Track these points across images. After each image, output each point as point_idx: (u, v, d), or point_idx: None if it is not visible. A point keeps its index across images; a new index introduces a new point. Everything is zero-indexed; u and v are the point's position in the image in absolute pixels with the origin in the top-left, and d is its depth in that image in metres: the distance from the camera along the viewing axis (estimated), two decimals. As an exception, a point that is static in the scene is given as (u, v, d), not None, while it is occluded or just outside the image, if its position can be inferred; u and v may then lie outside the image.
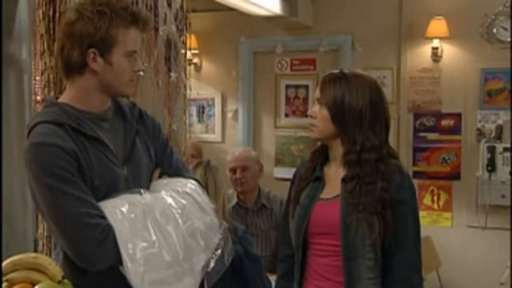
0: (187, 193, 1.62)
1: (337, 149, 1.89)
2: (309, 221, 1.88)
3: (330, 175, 1.91)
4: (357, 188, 1.81)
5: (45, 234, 2.20)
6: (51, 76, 2.15)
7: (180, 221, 1.56)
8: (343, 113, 1.84)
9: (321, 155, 1.95)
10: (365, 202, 1.79)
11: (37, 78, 2.43)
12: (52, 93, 2.12)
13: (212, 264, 1.61)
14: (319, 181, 1.92)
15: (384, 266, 1.82)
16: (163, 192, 1.61)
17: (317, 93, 1.91)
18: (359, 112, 1.83)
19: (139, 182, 1.63)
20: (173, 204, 1.58)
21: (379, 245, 1.79)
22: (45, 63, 2.15)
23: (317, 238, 1.88)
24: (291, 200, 1.98)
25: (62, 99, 1.64)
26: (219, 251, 1.63)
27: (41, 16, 2.16)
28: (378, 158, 1.83)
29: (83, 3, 1.63)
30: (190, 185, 1.66)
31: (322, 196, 1.90)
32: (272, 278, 2.71)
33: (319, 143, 2.04)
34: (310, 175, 1.94)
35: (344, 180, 1.85)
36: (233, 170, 3.35)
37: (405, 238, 1.80)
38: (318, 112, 1.89)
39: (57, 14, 2.14)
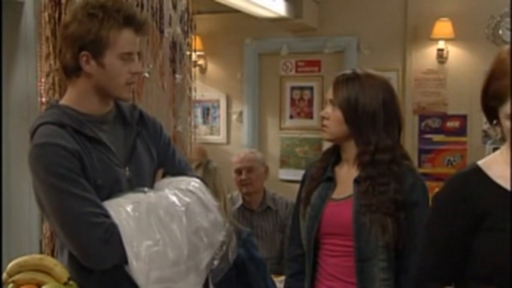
0: (190, 191, 1.62)
1: (350, 150, 1.88)
2: (321, 221, 1.87)
3: (342, 176, 1.90)
4: (370, 189, 1.80)
5: (47, 234, 2.20)
6: (56, 78, 2.15)
7: (184, 219, 1.56)
8: (357, 114, 1.83)
9: (333, 155, 1.94)
10: (377, 203, 1.78)
11: (43, 80, 2.44)
12: (57, 96, 2.13)
13: (216, 262, 1.61)
14: (331, 181, 1.91)
15: (398, 267, 1.80)
16: (166, 191, 1.61)
17: (330, 94, 1.90)
18: (372, 113, 1.83)
19: (142, 183, 1.63)
20: (177, 202, 1.58)
21: (392, 246, 1.78)
22: (50, 65, 2.16)
23: (329, 239, 1.87)
24: (301, 200, 1.97)
25: (63, 101, 1.65)
26: (223, 248, 1.63)
27: (46, 19, 2.16)
28: (391, 159, 1.82)
29: (77, 6, 1.64)
30: (194, 183, 1.66)
31: (334, 196, 1.89)
32: (278, 280, 2.71)
33: (325, 144, 2.04)
34: (321, 175, 1.93)
35: (356, 181, 1.84)
36: (239, 171, 3.35)
37: (418, 238, 1.77)
38: (331, 113, 1.88)
39: (62, 17, 2.15)
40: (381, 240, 1.77)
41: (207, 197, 1.65)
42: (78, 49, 1.56)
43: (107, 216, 1.50)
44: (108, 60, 1.57)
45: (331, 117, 1.88)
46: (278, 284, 2.63)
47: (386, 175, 1.81)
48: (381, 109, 1.83)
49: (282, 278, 3.09)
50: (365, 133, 1.83)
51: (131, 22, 1.59)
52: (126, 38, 1.58)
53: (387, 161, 1.81)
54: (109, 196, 1.55)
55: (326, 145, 5.50)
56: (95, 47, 1.56)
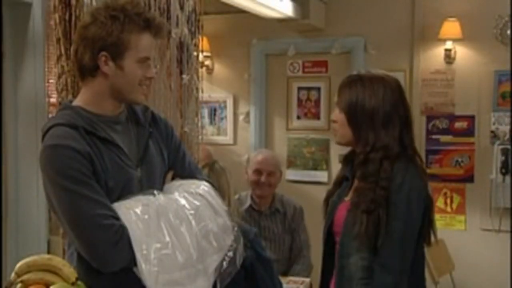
0: (200, 195, 1.63)
1: (357, 152, 1.93)
2: (333, 220, 1.94)
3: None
4: (360, 187, 1.84)
5: (60, 233, 2.21)
6: (68, 79, 2.16)
7: (193, 222, 1.56)
8: (357, 115, 1.86)
9: (352, 159, 1.98)
10: (362, 200, 1.81)
11: (51, 81, 2.45)
12: (70, 96, 2.14)
13: (224, 266, 1.61)
14: (348, 181, 1.97)
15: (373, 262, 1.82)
16: (176, 194, 1.61)
17: (336, 98, 1.95)
18: (371, 111, 1.84)
19: (152, 184, 1.64)
20: (187, 205, 1.58)
21: (372, 244, 1.79)
22: (62, 66, 2.17)
23: (338, 237, 1.92)
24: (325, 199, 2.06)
25: (76, 102, 1.66)
26: (231, 253, 1.64)
27: (57, 20, 2.17)
28: (384, 157, 1.82)
29: (98, 8, 1.64)
30: (203, 186, 1.67)
31: (346, 197, 1.95)
32: (284, 281, 2.71)
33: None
34: (341, 178, 2.01)
35: (357, 181, 1.89)
36: (259, 172, 3.30)
37: (389, 238, 1.78)
38: (338, 116, 1.92)
39: (73, 18, 2.16)
40: (360, 237, 1.79)
41: (217, 201, 1.65)
42: (97, 50, 1.57)
43: (117, 218, 1.50)
44: (127, 63, 1.58)
45: (338, 120, 1.92)
46: (285, 285, 2.63)
47: (376, 173, 1.82)
48: (380, 109, 1.84)
49: (289, 278, 3.10)
50: (364, 133, 1.86)
51: (150, 26, 1.60)
52: (145, 42, 1.60)
53: (378, 159, 1.82)
54: (119, 197, 1.56)
55: (333, 146, 5.46)
56: (116, 49, 1.57)
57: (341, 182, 2.01)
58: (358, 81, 1.88)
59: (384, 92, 1.85)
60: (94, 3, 2.14)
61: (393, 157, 1.83)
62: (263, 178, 3.28)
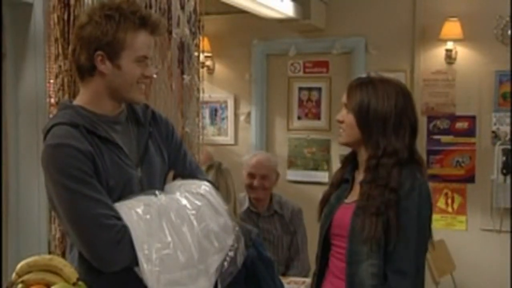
0: (201, 195, 1.63)
1: (362, 154, 1.91)
2: (331, 222, 1.92)
3: (357, 180, 1.94)
4: (368, 191, 1.82)
5: (57, 235, 2.21)
6: (65, 79, 2.17)
7: (194, 222, 1.56)
8: (368, 118, 1.85)
9: (352, 161, 1.97)
10: (372, 204, 1.79)
11: (51, 81, 2.45)
12: (66, 96, 2.14)
13: (225, 266, 1.61)
14: (347, 183, 1.95)
15: (386, 269, 1.80)
16: (177, 194, 1.61)
17: (344, 98, 1.93)
18: (383, 117, 1.84)
19: (153, 184, 1.64)
20: (188, 205, 1.58)
21: (382, 250, 1.78)
22: (60, 66, 2.17)
23: (336, 240, 1.91)
24: (321, 201, 2.04)
25: (76, 102, 1.66)
26: (232, 253, 1.64)
27: (56, 20, 2.18)
28: (395, 162, 1.82)
29: (94, 8, 1.64)
30: (204, 186, 1.66)
31: (346, 200, 1.93)
32: (286, 281, 2.71)
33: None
34: (340, 180, 1.98)
35: (361, 185, 1.86)
36: (251, 176, 3.28)
37: (403, 244, 1.77)
38: (345, 116, 1.91)
39: (71, 18, 2.16)
40: (370, 243, 1.77)
41: (218, 200, 1.65)
42: (93, 50, 1.57)
43: (119, 218, 1.50)
44: (125, 62, 1.58)
45: (346, 121, 1.91)
46: (286, 285, 2.64)
47: (386, 177, 1.81)
48: (392, 114, 1.84)
49: (290, 278, 3.10)
50: (375, 137, 1.85)
51: (146, 23, 1.60)
52: (142, 41, 1.59)
53: (390, 164, 1.82)
54: (120, 197, 1.56)
55: (334, 146, 5.46)
56: (112, 49, 1.57)
57: (339, 184, 1.99)
58: (370, 84, 1.87)
59: (396, 97, 1.85)
60: (94, 2, 2.14)
61: (403, 162, 1.83)
62: (255, 182, 3.25)
